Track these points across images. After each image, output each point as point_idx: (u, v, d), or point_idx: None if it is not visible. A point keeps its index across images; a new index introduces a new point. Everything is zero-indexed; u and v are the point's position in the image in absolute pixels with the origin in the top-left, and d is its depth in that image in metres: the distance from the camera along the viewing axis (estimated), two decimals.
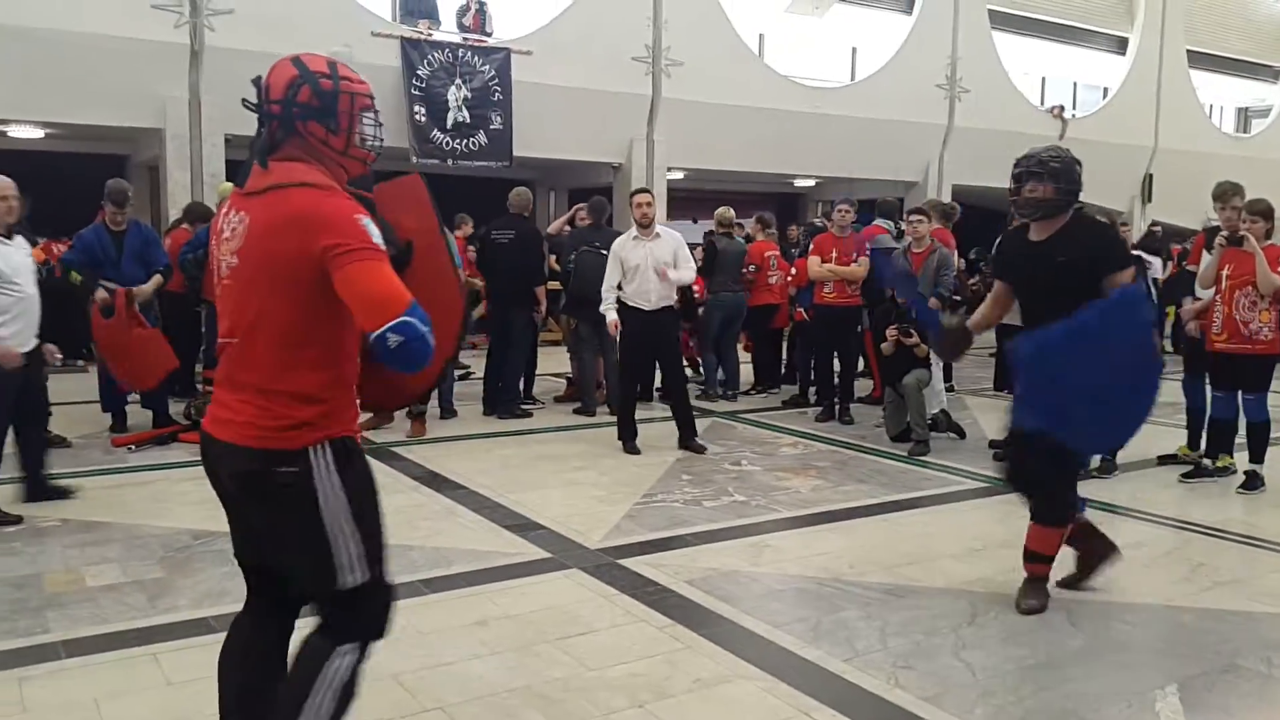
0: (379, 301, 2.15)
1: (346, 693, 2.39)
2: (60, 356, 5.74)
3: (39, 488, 5.43)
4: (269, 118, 2.32)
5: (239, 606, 3.90)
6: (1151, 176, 18.86)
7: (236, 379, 2.33)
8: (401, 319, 2.12)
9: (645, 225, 6.94)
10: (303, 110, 2.30)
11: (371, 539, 2.39)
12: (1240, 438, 6.22)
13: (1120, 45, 19.36)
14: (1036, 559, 4.10)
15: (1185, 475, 6.36)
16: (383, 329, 2.12)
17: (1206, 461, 6.42)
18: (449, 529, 5.07)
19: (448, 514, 5.37)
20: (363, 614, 2.41)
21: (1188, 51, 19.80)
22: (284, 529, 2.35)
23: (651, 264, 6.87)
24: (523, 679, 3.37)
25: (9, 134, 11.43)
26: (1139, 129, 18.72)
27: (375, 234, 2.23)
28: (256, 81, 2.37)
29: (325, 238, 2.18)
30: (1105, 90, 19.65)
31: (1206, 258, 6.48)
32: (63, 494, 5.48)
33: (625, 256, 6.91)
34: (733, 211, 9.55)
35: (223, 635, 3.61)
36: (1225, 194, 6.12)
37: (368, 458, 2.45)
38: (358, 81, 2.40)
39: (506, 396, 8.21)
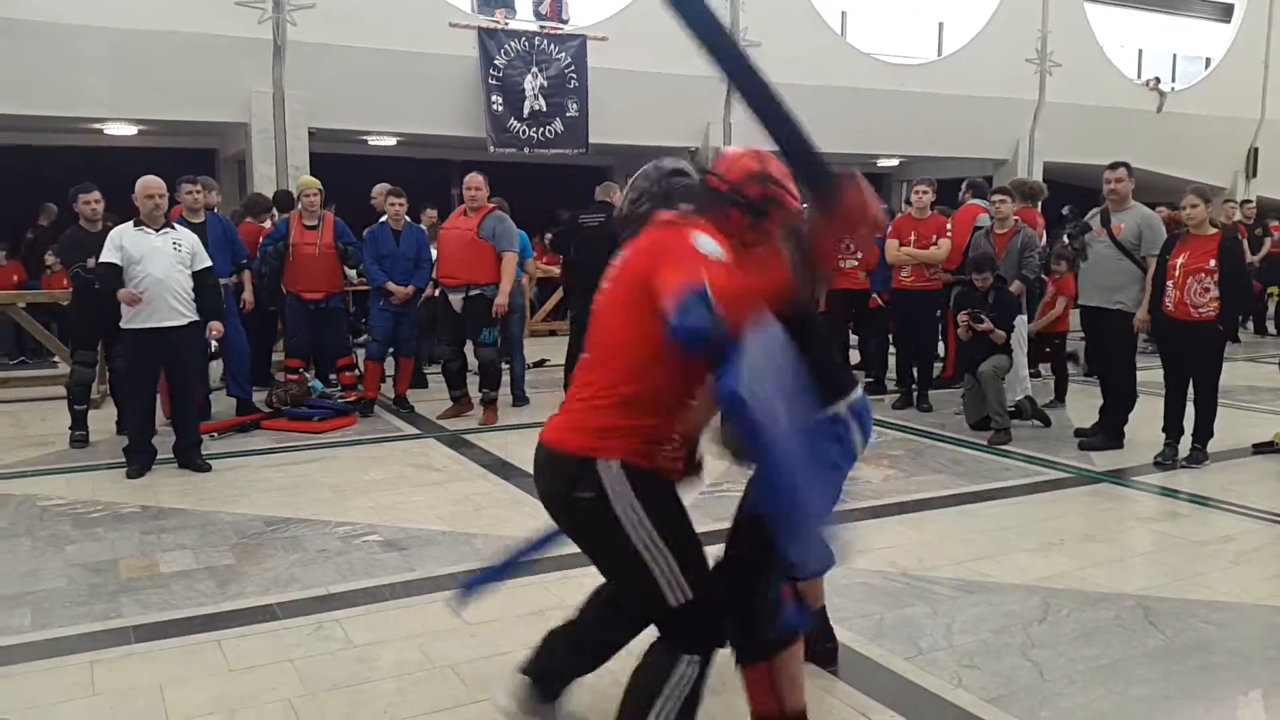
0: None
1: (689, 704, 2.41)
2: (218, 335, 6.33)
3: (185, 455, 6.00)
4: (713, 190, 2.49)
5: (305, 594, 4.03)
6: (1257, 150, 17.98)
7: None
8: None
9: None
10: (742, 203, 2.46)
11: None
12: None
13: (1224, 12, 18.48)
14: None
15: None
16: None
17: None
18: (514, 518, 5.07)
19: (514, 503, 5.38)
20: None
21: None
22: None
23: None
24: None
25: (105, 131, 11.86)
26: (1244, 100, 17.85)
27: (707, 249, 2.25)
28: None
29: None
30: (1207, 61, 18.77)
31: None
32: (204, 467, 5.99)
33: None
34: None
35: (288, 621, 3.74)
36: None
37: None
38: (790, 197, 2.51)
39: None
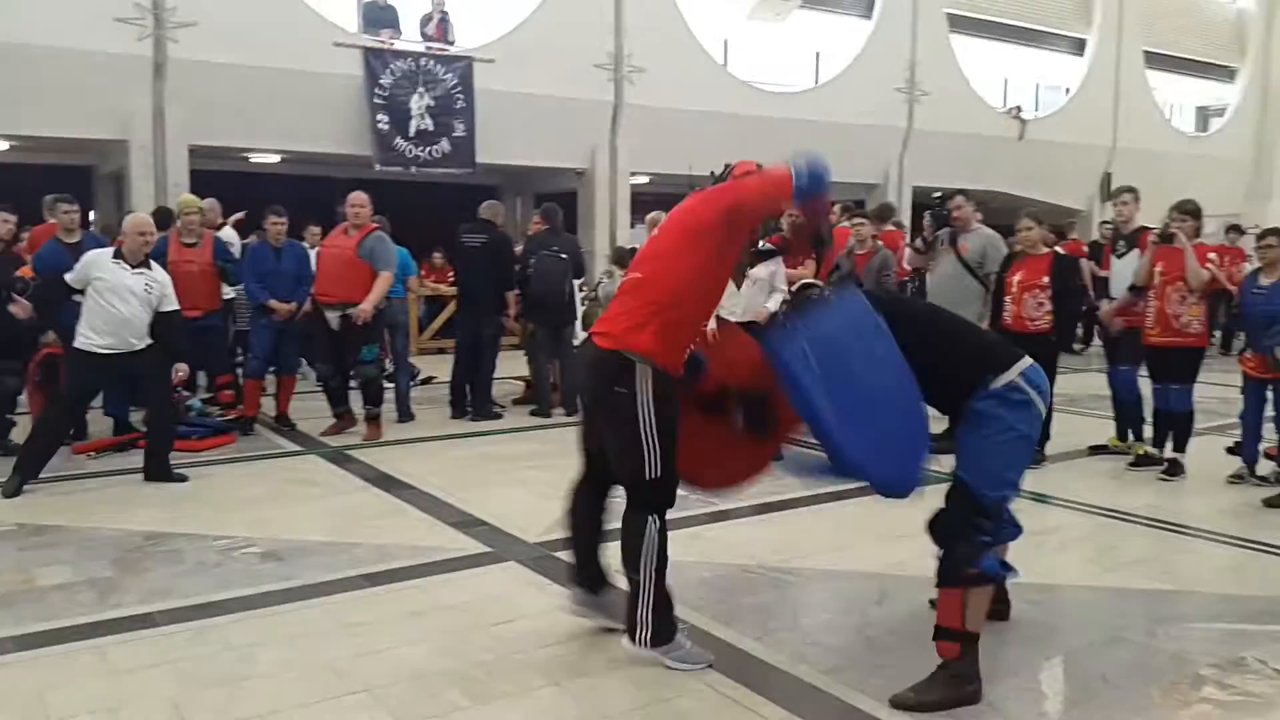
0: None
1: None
2: (184, 374, 6.61)
3: (156, 467, 6.13)
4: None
5: (185, 602, 4.13)
6: (1110, 175, 19.22)
7: None
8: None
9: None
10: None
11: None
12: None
13: (1079, 47, 19.72)
14: (940, 634, 3.32)
15: (1132, 465, 6.65)
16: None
17: (1154, 450, 6.59)
18: (394, 526, 5.25)
19: (395, 512, 5.55)
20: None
21: (1145, 52, 20.20)
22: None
23: None
24: (451, 662, 3.56)
25: None
26: (1098, 129, 19.10)
27: None
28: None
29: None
30: (1067, 90, 20.00)
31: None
32: (180, 479, 6.14)
33: None
34: (664, 215, 9.77)
35: (168, 628, 3.86)
36: (1117, 193, 6.96)
37: None
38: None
39: (480, 399, 8.37)
